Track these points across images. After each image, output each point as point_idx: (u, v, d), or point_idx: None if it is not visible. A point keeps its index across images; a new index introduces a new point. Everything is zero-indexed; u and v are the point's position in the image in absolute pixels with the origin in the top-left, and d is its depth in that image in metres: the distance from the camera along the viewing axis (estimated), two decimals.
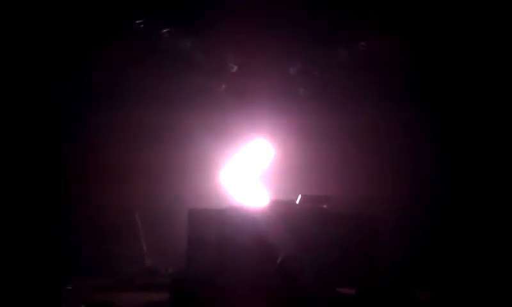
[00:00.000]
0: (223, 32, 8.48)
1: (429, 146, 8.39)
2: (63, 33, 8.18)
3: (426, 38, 8.37)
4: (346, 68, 8.73)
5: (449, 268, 7.63)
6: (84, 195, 8.26)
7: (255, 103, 8.65)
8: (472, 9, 8.16)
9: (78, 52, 8.26)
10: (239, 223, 7.26)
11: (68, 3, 8.12)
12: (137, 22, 8.49)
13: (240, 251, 7.13)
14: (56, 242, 8.02)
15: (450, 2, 8.22)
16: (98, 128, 8.37)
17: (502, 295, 6.48)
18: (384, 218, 7.50)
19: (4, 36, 8.04)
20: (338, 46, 8.75)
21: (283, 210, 7.34)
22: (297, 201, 7.44)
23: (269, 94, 8.67)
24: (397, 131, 8.51)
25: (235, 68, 8.86)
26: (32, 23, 8.09)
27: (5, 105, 8.15)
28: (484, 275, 7.04)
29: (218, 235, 7.26)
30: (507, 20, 8.11)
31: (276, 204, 7.45)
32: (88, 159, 8.32)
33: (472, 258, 7.70)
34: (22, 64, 8.15)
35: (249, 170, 8.74)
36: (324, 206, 7.41)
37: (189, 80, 8.73)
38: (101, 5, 8.20)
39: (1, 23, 7.97)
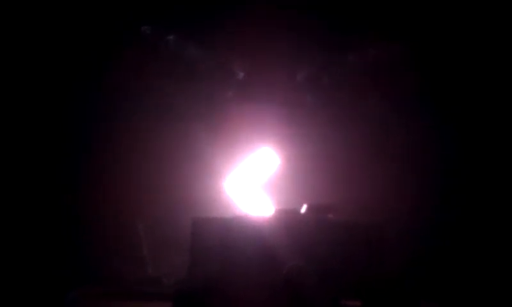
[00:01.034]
0: (229, 39, 8.46)
1: (437, 154, 8.31)
2: (66, 40, 8.18)
3: (438, 45, 8.30)
4: (354, 75, 8.67)
5: (456, 278, 7.57)
6: (86, 203, 8.21)
7: (261, 111, 8.61)
8: (485, 18, 8.09)
9: (82, 58, 8.25)
10: (244, 232, 7.19)
11: (71, 9, 8.11)
12: (142, 28, 8.49)
13: (245, 260, 7.05)
14: (57, 250, 7.99)
15: (462, 10, 8.16)
16: (103, 135, 8.34)
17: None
18: (391, 227, 7.43)
19: (9, 42, 8.05)
20: (347, 53, 8.70)
21: (287, 219, 7.27)
22: (302, 210, 7.38)
23: (276, 102, 8.63)
24: (406, 140, 8.43)
25: (242, 75, 8.83)
26: (35, 27, 8.10)
27: (10, 111, 8.15)
28: (493, 285, 6.98)
29: (222, 243, 7.19)
30: None
31: (281, 214, 7.37)
32: (92, 166, 8.28)
33: (480, 267, 7.63)
34: (26, 71, 8.16)
35: (254, 179, 8.69)
36: (330, 215, 7.35)
37: (195, 87, 8.70)
38: (106, 11, 8.19)
39: (6, 30, 8.00)
